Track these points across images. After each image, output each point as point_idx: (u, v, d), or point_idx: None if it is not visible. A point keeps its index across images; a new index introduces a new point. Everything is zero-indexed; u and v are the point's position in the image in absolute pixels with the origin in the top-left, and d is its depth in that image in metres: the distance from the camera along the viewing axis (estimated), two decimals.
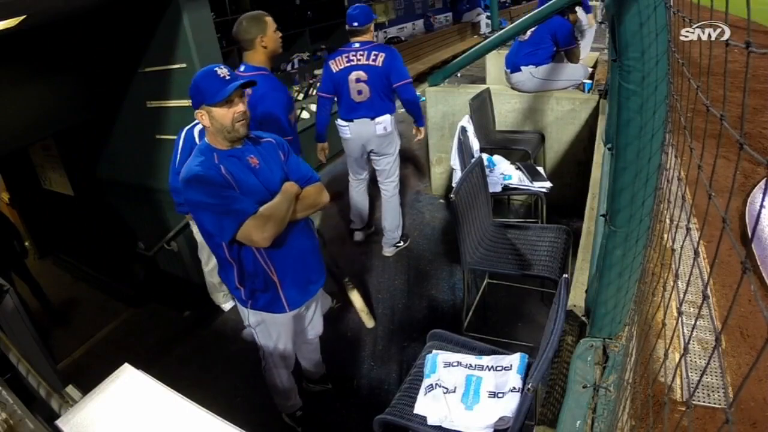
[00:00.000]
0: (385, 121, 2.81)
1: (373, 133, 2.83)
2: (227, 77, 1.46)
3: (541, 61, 3.34)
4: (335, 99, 2.87)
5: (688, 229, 0.71)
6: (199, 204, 1.46)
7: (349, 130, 2.86)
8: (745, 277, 0.43)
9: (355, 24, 2.70)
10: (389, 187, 3.08)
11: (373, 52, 2.71)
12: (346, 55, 2.74)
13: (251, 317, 1.76)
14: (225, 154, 1.52)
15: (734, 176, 0.59)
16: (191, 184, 1.45)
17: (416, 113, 2.90)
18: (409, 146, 5.11)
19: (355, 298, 2.68)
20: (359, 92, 2.75)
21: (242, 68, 2.14)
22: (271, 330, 1.80)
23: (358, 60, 2.72)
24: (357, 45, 2.74)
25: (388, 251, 3.26)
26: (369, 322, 2.68)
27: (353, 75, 2.73)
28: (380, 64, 2.70)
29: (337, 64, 2.75)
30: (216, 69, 1.47)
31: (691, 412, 1.33)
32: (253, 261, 1.59)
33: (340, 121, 2.89)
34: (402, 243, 3.30)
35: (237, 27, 2.09)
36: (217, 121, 1.48)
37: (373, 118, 2.80)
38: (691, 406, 1.35)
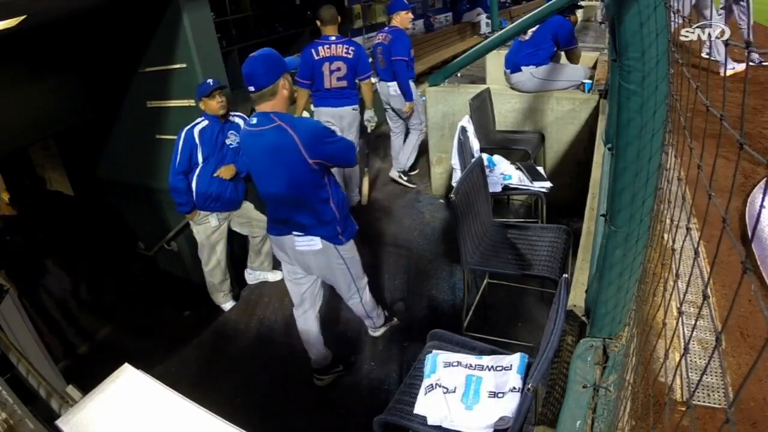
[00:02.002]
0: (394, 84, 3.73)
1: (387, 92, 3.82)
2: None
3: (541, 61, 3.33)
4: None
5: (688, 229, 0.71)
6: (335, 143, 1.82)
7: (378, 87, 3.90)
8: (745, 276, 0.43)
9: (390, 11, 3.74)
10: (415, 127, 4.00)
11: (387, 35, 3.67)
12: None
13: (346, 252, 2.04)
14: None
15: (734, 176, 0.60)
16: (325, 132, 1.81)
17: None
18: None
19: (366, 182, 3.82)
20: (381, 62, 3.78)
21: (333, 38, 3.22)
22: (356, 255, 2.13)
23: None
24: (386, 29, 3.75)
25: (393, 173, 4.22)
26: (364, 200, 3.79)
27: (378, 49, 3.75)
28: (388, 43, 3.64)
29: (375, 40, 3.89)
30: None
31: (692, 411, 1.33)
32: (339, 190, 1.96)
33: (375, 80, 3.93)
34: (405, 176, 4.15)
35: (327, 11, 3.21)
36: (290, 84, 1.83)
37: (387, 81, 3.78)
38: (692, 406, 1.35)
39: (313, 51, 3.22)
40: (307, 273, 2.14)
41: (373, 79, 3.83)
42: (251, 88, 1.75)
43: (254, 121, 1.81)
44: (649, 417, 1.14)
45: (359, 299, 2.29)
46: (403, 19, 3.64)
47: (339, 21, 3.29)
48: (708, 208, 0.59)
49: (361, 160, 3.80)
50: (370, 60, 3.64)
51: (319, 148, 1.77)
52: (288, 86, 1.80)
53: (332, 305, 2.77)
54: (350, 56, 3.25)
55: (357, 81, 3.37)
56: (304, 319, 2.27)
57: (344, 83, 3.32)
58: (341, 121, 3.44)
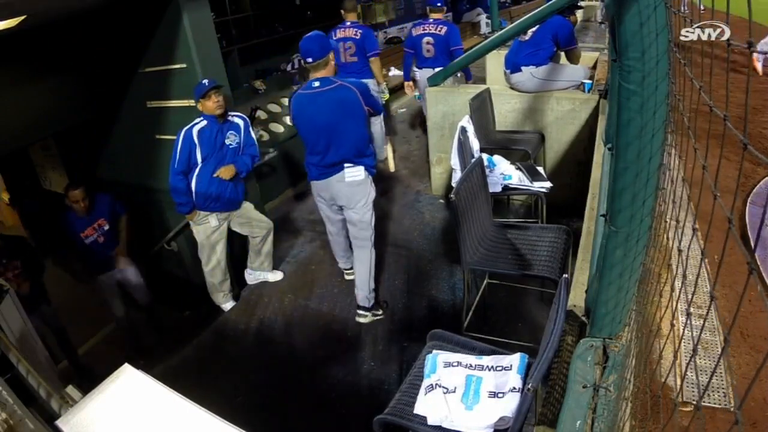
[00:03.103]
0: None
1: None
2: None
3: (541, 61, 3.33)
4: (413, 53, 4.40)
5: (694, 230, 0.71)
6: (372, 95, 2.46)
7: (419, 74, 4.37)
8: (751, 277, 0.43)
9: (438, 4, 4.24)
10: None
11: (442, 26, 4.18)
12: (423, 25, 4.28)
13: (372, 185, 2.57)
14: None
15: (739, 176, 0.59)
16: (368, 87, 2.45)
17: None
18: (409, 146, 5.11)
19: (389, 149, 4.47)
20: (428, 51, 4.24)
21: (349, 23, 4.11)
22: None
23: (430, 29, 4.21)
24: (431, 20, 4.23)
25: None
26: (392, 167, 4.40)
27: (425, 39, 4.22)
28: (444, 34, 4.15)
29: (416, 30, 4.30)
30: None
31: (701, 413, 1.33)
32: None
33: (414, 68, 4.44)
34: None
35: (349, 2, 4.08)
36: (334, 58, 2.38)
37: (434, 68, 4.04)
38: (700, 407, 1.35)
39: (332, 33, 4.12)
40: (346, 207, 2.56)
41: (415, 69, 4.43)
42: (309, 60, 2.27)
43: (317, 84, 2.30)
44: (650, 417, 1.13)
45: (370, 246, 2.65)
46: (444, 14, 4.34)
47: (358, 10, 4.31)
48: (713, 209, 0.58)
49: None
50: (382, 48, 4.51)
51: (367, 97, 2.37)
52: (334, 59, 2.36)
53: (333, 307, 2.77)
54: (357, 36, 4.06)
55: (368, 58, 4.12)
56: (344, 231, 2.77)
57: (355, 59, 4.13)
58: None
